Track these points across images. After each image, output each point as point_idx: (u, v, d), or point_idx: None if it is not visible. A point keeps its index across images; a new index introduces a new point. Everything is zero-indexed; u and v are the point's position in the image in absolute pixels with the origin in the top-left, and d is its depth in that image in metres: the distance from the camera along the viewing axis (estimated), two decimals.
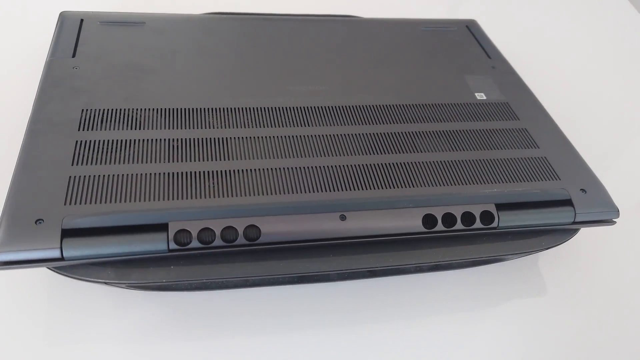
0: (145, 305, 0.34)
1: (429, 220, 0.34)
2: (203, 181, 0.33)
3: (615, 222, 0.37)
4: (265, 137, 0.36)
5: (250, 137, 0.36)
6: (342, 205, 0.33)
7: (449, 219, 0.34)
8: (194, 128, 0.36)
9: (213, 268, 0.31)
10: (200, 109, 0.38)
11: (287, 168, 0.34)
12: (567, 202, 0.36)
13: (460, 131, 0.39)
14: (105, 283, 0.31)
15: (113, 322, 0.33)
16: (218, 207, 0.31)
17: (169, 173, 0.33)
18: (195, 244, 0.30)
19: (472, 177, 0.36)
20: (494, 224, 0.34)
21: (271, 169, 0.34)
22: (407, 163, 0.36)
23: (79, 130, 0.35)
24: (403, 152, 0.37)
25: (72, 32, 0.43)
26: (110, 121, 0.36)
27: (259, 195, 0.32)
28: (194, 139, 0.35)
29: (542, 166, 0.38)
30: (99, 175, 0.32)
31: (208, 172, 0.33)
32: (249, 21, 0.48)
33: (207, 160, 0.34)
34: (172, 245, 0.30)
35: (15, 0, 0.55)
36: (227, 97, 0.39)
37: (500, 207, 0.35)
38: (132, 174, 0.33)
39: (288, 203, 0.32)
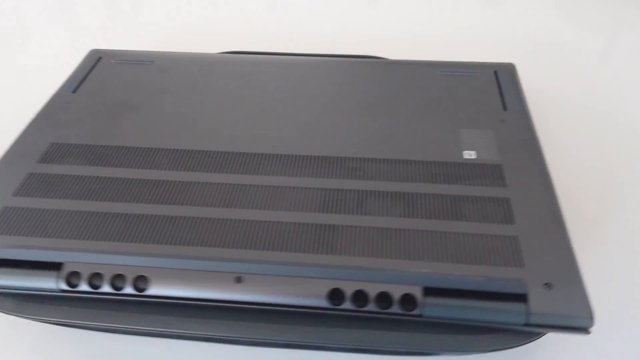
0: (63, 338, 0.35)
1: (336, 296, 0.30)
2: (116, 222, 0.33)
3: (588, 332, 0.29)
4: (206, 183, 0.35)
5: (190, 182, 0.35)
6: (240, 265, 0.30)
7: (360, 297, 0.29)
8: (145, 168, 0.36)
9: (100, 313, 0.31)
10: (160, 149, 0.38)
11: (199, 218, 0.33)
12: (521, 298, 0.29)
13: (422, 194, 0.34)
14: (7, 313, 0.32)
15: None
16: (114, 252, 0.31)
17: (94, 212, 0.33)
18: (84, 287, 0.30)
19: (408, 250, 0.31)
20: (417, 312, 0.29)
21: (188, 217, 0.33)
22: (334, 225, 0.32)
23: (39, 162, 0.37)
24: (335, 213, 0.33)
25: (86, 68, 0.47)
26: (73, 156, 0.38)
27: (159, 244, 0.31)
28: (140, 179, 0.35)
29: (507, 247, 0.31)
30: (30, 209, 0.34)
31: (121, 214, 0.33)
32: (260, 61, 0.48)
33: (132, 201, 0.34)
34: (62, 286, 0.30)
35: (70, 34, 0.61)
36: (190, 138, 0.39)
37: (431, 292, 0.29)
38: (61, 210, 0.34)
39: (184, 256, 0.31)
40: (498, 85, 0.44)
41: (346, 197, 0.34)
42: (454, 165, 0.36)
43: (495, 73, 0.46)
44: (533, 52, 0.56)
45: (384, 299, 0.29)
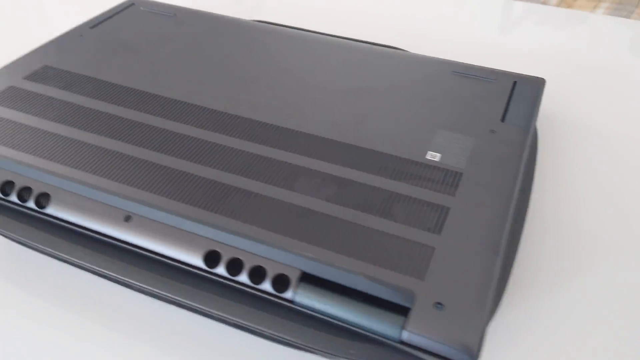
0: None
1: (212, 258, 0.28)
2: (50, 141, 0.33)
3: None
4: (148, 125, 0.35)
5: (136, 122, 0.35)
6: (133, 205, 0.30)
7: (235, 266, 0.27)
8: (104, 101, 0.37)
9: (10, 223, 0.31)
10: (132, 89, 0.38)
11: (120, 153, 0.33)
12: (403, 311, 0.25)
13: (358, 183, 0.31)
14: None
15: None
16: (35, 166, 0.32)
17: (42, 130, 0.34)
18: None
19: (309, 233, 0.28)
20: (288, 295, 0.26)
21: (117, 152, 0.33)
22: (245, 190, 0.30)
23: (24, 78, 0.39)
24: (254, 179, 0.31)
25: (114, 11, 0.49)
26: (55, 80, 0.39)
27: (74, 168, 0.32)
28: (94, 109, 0.36)
29: (417, 256, 0.27)
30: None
31: (60, 135, 0.34)
32: (276, 32, 0.46)
33: (76, 127, 0.35)
34: None
35: None
36: (165, 86, 0.39)
37: (308, 278, 0.27)
38: (17, 122, 0.35)
39: (87, 184, 0.31)
40: (509, 96, 0.39)
41: (278, 167, 0.32)
42: (410, 162, 0.33)
43: (514, 84, 0.40)
44: (591, 76, 0.49)
45: (257, 273, 0.27)
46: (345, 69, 0.41)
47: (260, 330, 0.27)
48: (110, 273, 0.29)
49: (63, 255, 0.30)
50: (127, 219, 0.29)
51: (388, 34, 0.56)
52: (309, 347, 0.26)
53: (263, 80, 0.40)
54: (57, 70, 0.40)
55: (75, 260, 0.29)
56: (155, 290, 0.28)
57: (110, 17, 0.48)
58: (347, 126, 0.35)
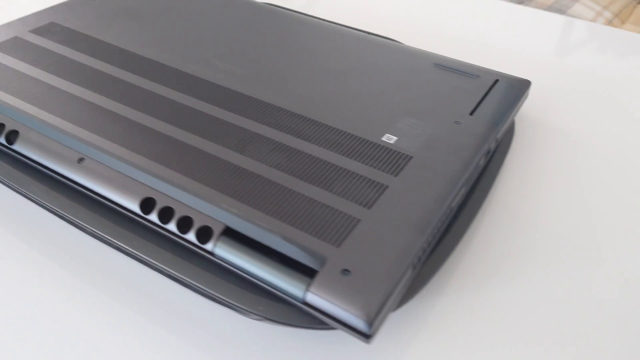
0: None
1: (148, 205, 0.29)
2: (36, 87, 0.36)
3: (368, 341, 0.24)
4: (128, 82, 0.37)
5: (117, 79, 0.37)
6: (86, 148, 0.31)
7: (166, 214, 0.29)
8: (94, 57, 0.39)
9: None
10: (125, 51, 0.40)
11: (91, 103, 0.34)
12: (311, 273, 0.26)
13: (308, 155, 0.32)
14: None
15: None
16: (12, 106, 0.34)
17: (31, 77, 0.37)
18: None
19: (244, 193, 0.29)
20: (209, 247, 0.27)
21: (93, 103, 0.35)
22: (194, 148, 0.32)
23: (29, 31, 0.42)
24: (207, 139, 0.32)
25: None
26: (57, 35, 0.42)
27: (47, 112, 0.34)
28: (82, 63, 0.38)
29: (341, 226, 0.27)
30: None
31: (45, 83, 0.36)
32: (280, 15, 0.48)
33: (65, 79, 0.37)
34: None
35: None
36: (162, 54, 0.41)
37: (230, 233, 0.27)
38: (13, 69, 0.38)
39: (52, 126, 0.33)
40: (486, 92, 0.39)
41: (233, 131, 0.33)
42: (364, 142, 0.33)
43: (495, 82, 0.40)
44: (588, 87, 0.48)
45: (185, 223, 0.28)
46: (333, 52, 0.42)
47: (180, 278, 0.28)
48: (57, 209, 0.31)
49: (22, 189, 0.32)
50: (80, 160, 0.31)
51: (396, 29, 0.56)
52: (222, 299, 0.27)
53: (248, 53, 0.41)
54: (62, 27, 0.43)
55: (30, 195, 0.31)
56: (94, 230, 0.30)
57: None
58: (314, 103, 0.36)
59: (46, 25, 0.43)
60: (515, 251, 0.33)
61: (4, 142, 0.33)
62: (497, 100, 0.38)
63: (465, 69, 0.41)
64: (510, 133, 0.40)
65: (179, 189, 0.29)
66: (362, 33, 0.46)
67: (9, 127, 0.33)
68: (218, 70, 0.39)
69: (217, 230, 0.27)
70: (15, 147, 0.33)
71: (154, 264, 0.28)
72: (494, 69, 0.43)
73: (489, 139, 0.34)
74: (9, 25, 0.43)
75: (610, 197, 0.37)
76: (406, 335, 0.29)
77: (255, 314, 0.26)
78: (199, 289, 0.27)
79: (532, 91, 0.47)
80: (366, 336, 0.24)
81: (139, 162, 0.30)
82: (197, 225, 0.28)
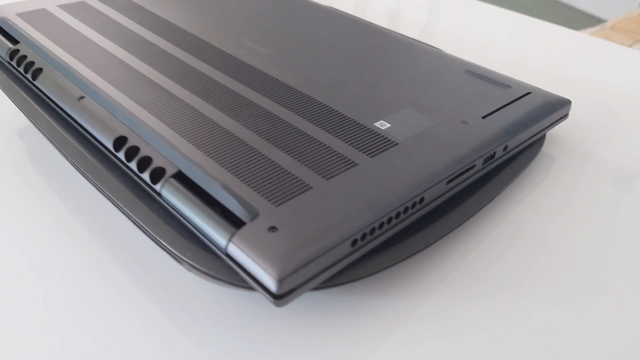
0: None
1: (120, 143, 0.30)
2: (75, 36, 0.39)
3: (276, 301, 0.23)
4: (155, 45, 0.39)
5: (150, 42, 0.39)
6: (88, 88, 0.33)
7: (131, 153, 0.29)
8: (144, 27, 0.42)
9: (12, 86, 0.37)
10: (178, 28, 0.43)
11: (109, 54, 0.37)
12: (239, 224, 0.25)
13: (292, 126, 0.31)
14: None
15: None
16: (47, 50, 0.37)
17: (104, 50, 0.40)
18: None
19: (208, 146, 0.29)
20: (157, 187, 0.28)
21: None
22: (182, 101, 0.32)
23: (57, 5, 0.46)
24: (198, 96, 0.33)
25: None
26: (115, 3, 0.46)
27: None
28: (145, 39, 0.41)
29: (289, 189, 0.26)
30: (61, 19, 0.43)
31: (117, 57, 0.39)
32: (329, 12, 0.48)
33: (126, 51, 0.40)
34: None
35: None
36: (202, 30, 0.43)
37: (180, 177, 0.27)
38: (70, 27, 0.42)
39: (69, 67, 0.35)
40: (511, 102, 0.36)
41: (229, 97, 0.33)
42: (354, 123, 0.32)
43: (526, 94, 0.37)
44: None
45: (145, 163, 0.29)
46: (362, 46, 0.41)
47: (129, 215, 0.28)
48: (54, 141, 0.33)
49: (34, 121, 0.34)
50: (80, 98, 0.33)
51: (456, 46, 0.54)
52: (158, 240, 0.27)
53: (278, 38, 0.42)
54: (131, 2, 0.46)
55: (37, 125, 0.34)
56: (76, 164, 0.31)
57: None
58: (320, 84, 0.36)
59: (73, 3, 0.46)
60: (507, 264, 0.30)
61: (30, 77, 0.36)
62: (519, 111, 0.35)
63: (497, 78, 0.38)
64: (535, 148, 0.36)
65: (152, 132, 0.29)
66: (401, 36, 0.45)
67: (37, 64, 0.36)
68: (243, 47, 0.40)
69: (169, 172, 0.27)
70: (37, 83, 0.35)
71: (110, 198, 0.29)
72: (535, 85, 0.40)
73: (493, 144, 0.32)
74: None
75: (629, 235, 0.32)
76: (338, 318, 0.27)
77: (183, 259, 0.26)
78: (142, 228, 0.27)
79: (580, 114, 0.43)
80: (274, 296, 0.23)
81: (127, 105, 0.31)
82: (153, 165, 0.28)
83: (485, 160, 0.32)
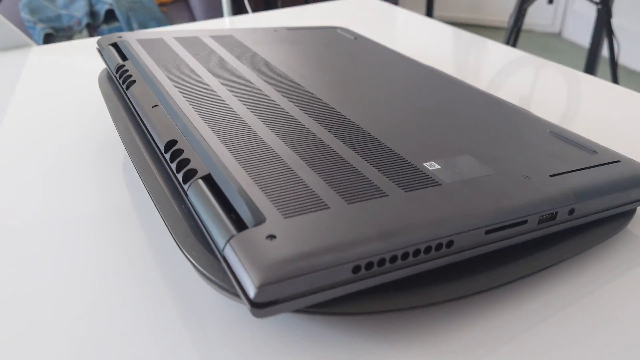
0: None
1: (170, 145, 0.31)
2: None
3: (252, 309, 0.22)
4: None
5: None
6: (163, 99, 0.36)
7: (175, 154, 0.30)
8: (251, 70, 0.45)
9: (112, 95, 0.41)
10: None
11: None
12: (242, 227, 0.24)
13: (334, 151, 0.31)
14: None
15: None
16: (150, 73, 0.41)
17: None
18: None
19: (245, 157, 0.29)
20: (185, 187, 0.28)
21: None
22: (245, 122, 0.33)
23: (209, 36, 0.51)
24: (263, 122, 0.34)
25: (315, 28, 0.58)
26: (225, 42, 0.50)
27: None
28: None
29: (303, 203, 0.25)
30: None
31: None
32: (429, 71, 0.48)
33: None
34: None
35: None
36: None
37: (210, 183, 0.28)
38: (175, 53, 0.46)
39: (155, 79, 0.38)
40: (594, 166, 0.32)
41: (281, 115, 0.34)
42: (400, 159, 0.30)
43: (614, 162, 0.33)
44: None
45: (183, 163, 0.29)
46: (445, 99, 0.40)
47: (159, 212, 0.29)
48: (124, 142, 0.35)
49: (115, 122, 0.38)
50: (154, 107, 0.35)
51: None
52: (174, 236, 0.27)
53: (355, 83, 0.42)
54: (234, 39, 0.50)
55: (117, 127, 0.37)
56: (134, 162, 0.33)
57: (308, 29, 0.57)
58: (380, 122, 0.35)
59: (225, 36, 0.51)
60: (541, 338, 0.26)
61: (125, 87, 0.40)
62: (599, 176, 0.31)
63: (583, 143, 0.34)
64: (617, 223, 0.32)
65: (197, 137, 0.31)
66: (490, 95, 0.42)
67: (133, 77, 0.40)
68: (307, 78, 0.40)
69: (199, 174, 0.28)
70: (128, 92, 0.39)
71: (150, 194, 0.30)
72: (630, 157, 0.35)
73: (554, 204, 0.28)
74: (199, 30, 0.52)
75: None
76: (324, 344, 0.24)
77: (187, 257, 0.26)
78: (165, 223, 0.28)
79: None
80: (251, 303, 0.21)
81: (188, 114, 0.33)
82: (189, 167, 0.29)
83: (543, 220, 0.28)
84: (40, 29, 1.70)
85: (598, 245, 0.32)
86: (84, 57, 0.64)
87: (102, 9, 1.79)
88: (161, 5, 1.99)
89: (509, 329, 0.26)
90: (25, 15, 1.71)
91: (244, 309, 0.27)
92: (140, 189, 0.37)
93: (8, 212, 0.35)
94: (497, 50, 0.67)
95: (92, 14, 1.79)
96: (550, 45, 2.93)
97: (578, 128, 0.48)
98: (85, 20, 1.75)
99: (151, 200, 0.31)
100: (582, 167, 0.31)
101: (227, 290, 0.24)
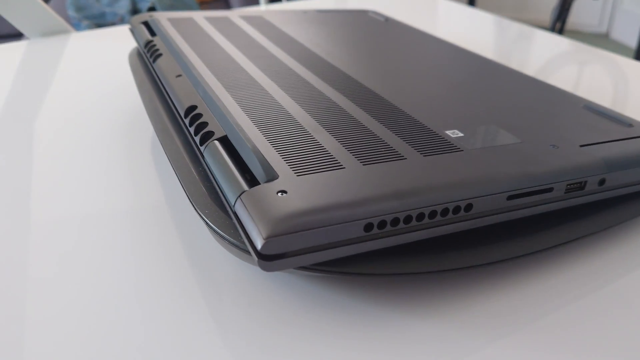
0: None
1: (190, 111, 0.32)
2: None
3: (261, 261, 0.21)
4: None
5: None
6: (188, 70, 0.36)
7: (194, 118, 0.31)
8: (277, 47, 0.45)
9: (143, 76, 0.42)
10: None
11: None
12: (254, 182, 0.24)
13: (354, 119, 0.30)
14: None
15: None
16: (182, 53, 0.42)
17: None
18: None
19: (266, 123, 0.29)
20: (202, 148, 0.28)
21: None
22: (266, 91, 0.33)
23: (239, 16, 0.51)
24: (286, 92, 0.34)
25: (346, 10, 0.57)
26: (254, 22, 0.50)
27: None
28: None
29: (316, 163, 0.25)
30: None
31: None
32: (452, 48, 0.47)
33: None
34: None
35: None
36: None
37: (226, 143, 0.28)
38: (204, 31, 0.46)
39: (182, 53, 0.39)
40: (626, 138, 0.30)
41: (302, 85, 0.33)
42: (421, 126, 0.30)
43: None
44: None
45: (201, 126, 0.29)
46: (479, 78, 0.39)
47: (177, 174, 0.29)
48: (147, 110, 0.35)
49: (140, 93, 0.38)
50: (178, 76, 0.36)
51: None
52: (188, 196, 0.27)
53: (386, 58, 0.41)
54: (264, 19, 0.50)
55: (142, 97, 0.37)
56: (156, 129, 0.33)
57: (339, 11, 0.56)
58: (406, 95, 0.34)
59: (254, 17, 0.51)
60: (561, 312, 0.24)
61: (152, 60, 0.40)
62: (634, 148, 0.29)
63: (619, 117, 0.33)
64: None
65: (216, 102, 0.30)
66: (520, 73, 0.41)
67: (160, 51, 0.40)
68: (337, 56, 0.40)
69: (216, 135, 0.28)
70: (154, 65, 0.39)
71: (169, 158, 0.30)
72: None
73: (583, 173, 0.27)
74: (232, 11, 0.52)
75: None
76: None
77: (201, 216, 0.25)
78: (181, 184, 0.28)
79: None
80: (258, 255, 0.21)
81: (209, 81, 0.33)
82: (206, 129, 0.29)
83: (571, 189, 0.27)
84: (85, 26, 1.76)
85: (628, 221, 0.30)
86: (121, 42, 0.65)
87: (144, 6, 1.84)
88: (202, 4, 2.03)
89: (525, 305, 0.25)
90: (71, 12, 1.77)
91: (256, 271, 0.27)
92: (166, 162, 0.37)
93: (50, 177, 0.35)
94: (542, 38, 0.65)
95: (135, 11, 1.84)
96: (597, 47, 2.83)
97: (629, 114, 0.46)
98: (128, 18, 1.80)
99: (170, 165, 0.31)
100: (616, 138, 0.30)
101: (237, 247, 0.24)
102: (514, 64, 0.57)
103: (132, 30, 0.47)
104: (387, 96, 0.33)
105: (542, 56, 0.59)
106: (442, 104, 0.33)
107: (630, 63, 0.56)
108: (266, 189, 0.23)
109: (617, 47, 2.81)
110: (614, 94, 0.50)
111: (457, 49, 0.46)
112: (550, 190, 0.26)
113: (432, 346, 0.23)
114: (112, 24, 1.79)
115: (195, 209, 0.26)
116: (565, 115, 0.33)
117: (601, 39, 2.94)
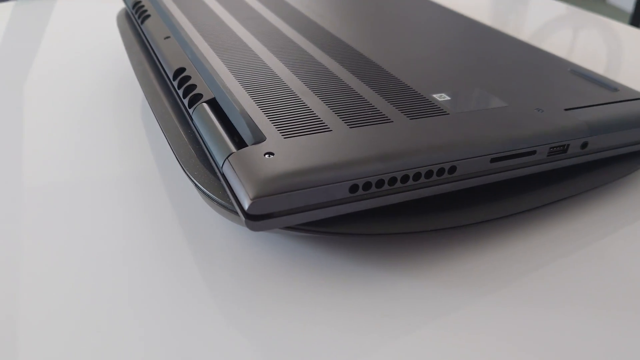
0: None
1: (178, 73, 0.32)
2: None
3: (247, 221, 0.22)
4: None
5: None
6: (174, 30, 0.36)
7: (183, 81, 0.31)
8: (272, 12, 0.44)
9: (130, 33, 0.42)
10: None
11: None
12: (242, 144, 0.24)
13: (341, 81, 0.30)
14: None
15: None
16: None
17: None
18: None
19: (255, 85, 0.29)
20: (190, 110, 0.28)
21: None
22: (256, 54, 0.33)
23: None
24: (274, 54, 0.33)
25: None
26: None
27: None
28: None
29: (303, 125, 0.25)
30: None
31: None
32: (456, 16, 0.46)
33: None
34: None
35: None
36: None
37: (215, 107, 0.28)
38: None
39: (167, 11, 0.38)
40: (610, 102, 0.31)
41: (290, 47, 0.33)
42: (408, 89, 0.30)
43: (634, 99, 0.31)
44: None
45: (190, 89, 0.30)
46: (469, 41, 0.39)
47: (166, 137, 0.29)
48: (136, 72, 0.35)
49: (129, 56, 0.38)
50: (166, 38, 0.35)
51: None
52: (177, 158, 0.27)
53: (376, 19, 0.41)
54: None
55: (130, 60, 0.37)
56: (144, 92, 0.33)
57: None
58: (392, 57, 0.34)
59: None
60: (547, 267, 0.25)
61: (140, 21, 0.40)
62: (616, 111, 0.30)
63: (604, 81, 0.33)
64: (635, 162, 0.31)
65: (204, 64, 0.30)
66: (510, 36, 0.41)
67: (148, 12, 0.40)
68: (326, 17, 0.39)
69: (204, 98, 0.28)
70: (143, 26, 0.39)
71: (158, 120, 0.30)
72: None
73: (565, 136, 0.27)
74: None
75: None
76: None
77: (189, 177, 0.26)
78: (170, 147, 0.28)
79: None
80: (246, 215, 0.22)
81: (197, 43, 0.33)
82: (195, 92, 0.29)
83: (553, 152, 0.27)
84: None
85: (610, 183, 0.31)
86: (109, 3, 0.64)
87: None
88: None
89: (510, 263, 0.26)
90: None
91: (244, 231, 0.28)
92: (155, 125, 0.37)
93: (41, 141, 0.36)
94: (539, 2, 0.64)
95: None
96: (593, 11, 2.81)
97: (622, 79, 0.46)
98: None
99: (159, 126, 0.31)
100: (600, 102, 0.30)
101: (225, 208, 0.24)
102: (510, 28, 0.57)
103: None
104: (377, 60, 0.33)
105: (538, 20, 0.59)
106: (431, 67, 0.33)
107: (625, 28, 0.56)
108: (253, 151, 0.23)
109: (614, 12, 2.79)
110: (607, 59, 0.50)
111: (450, 13, 0.46)
112: (533, 153, 0.27)
113: (418, 303, 0.24)
114: None
115: (184, 171, 0.26)
116: (552, 79, 0.33)
117: (598, 4, 2.91)
